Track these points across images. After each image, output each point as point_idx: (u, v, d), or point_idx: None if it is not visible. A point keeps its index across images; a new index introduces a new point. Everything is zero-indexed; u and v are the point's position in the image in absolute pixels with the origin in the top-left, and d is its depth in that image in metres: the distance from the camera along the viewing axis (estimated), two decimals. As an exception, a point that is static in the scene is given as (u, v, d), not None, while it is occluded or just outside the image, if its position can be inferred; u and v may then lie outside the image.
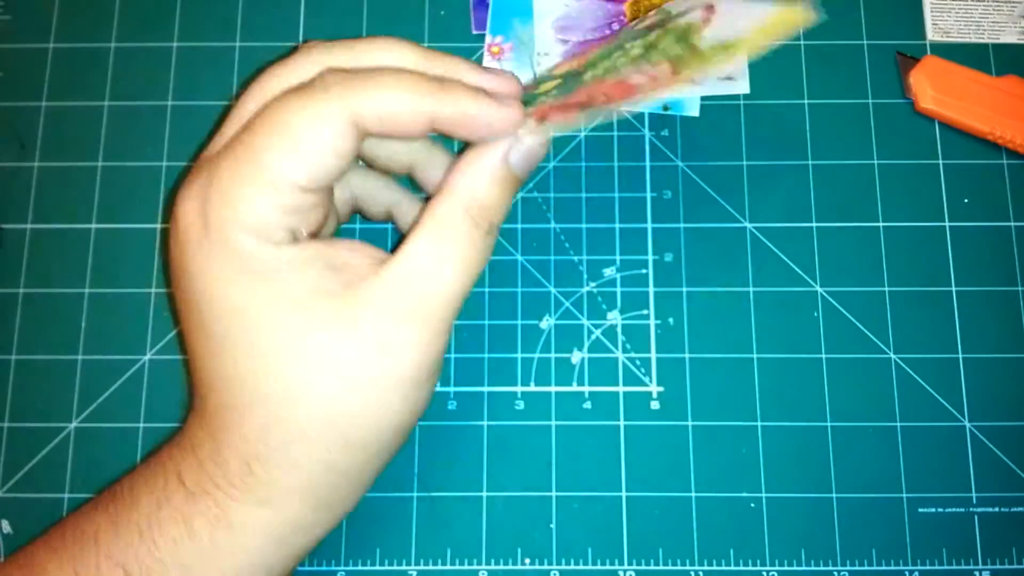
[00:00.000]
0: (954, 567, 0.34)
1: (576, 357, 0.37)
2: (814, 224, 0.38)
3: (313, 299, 0.26)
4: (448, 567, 0.35)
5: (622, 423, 0.36)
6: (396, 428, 0.28)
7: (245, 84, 0.29)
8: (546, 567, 0.35)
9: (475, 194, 0.28)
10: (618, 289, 0.37)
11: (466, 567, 0.35)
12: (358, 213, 0.34)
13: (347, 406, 0.27)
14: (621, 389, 0.36)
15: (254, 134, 0.26)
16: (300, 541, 0.29)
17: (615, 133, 0.39)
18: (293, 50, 0.28)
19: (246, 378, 0.27)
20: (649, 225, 0.38)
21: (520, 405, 0.36)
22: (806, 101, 0.39)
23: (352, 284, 0.27)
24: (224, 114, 0.29)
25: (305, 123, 0.25)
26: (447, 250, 0.27)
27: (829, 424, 0.36)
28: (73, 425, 0.36)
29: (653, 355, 0.37)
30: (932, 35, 0.40)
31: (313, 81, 0.26)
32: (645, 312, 0.37)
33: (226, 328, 0.27)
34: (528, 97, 0.30)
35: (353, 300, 0.27)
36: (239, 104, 0.28)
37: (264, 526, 0.27)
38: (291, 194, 0.26)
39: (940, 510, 0.35)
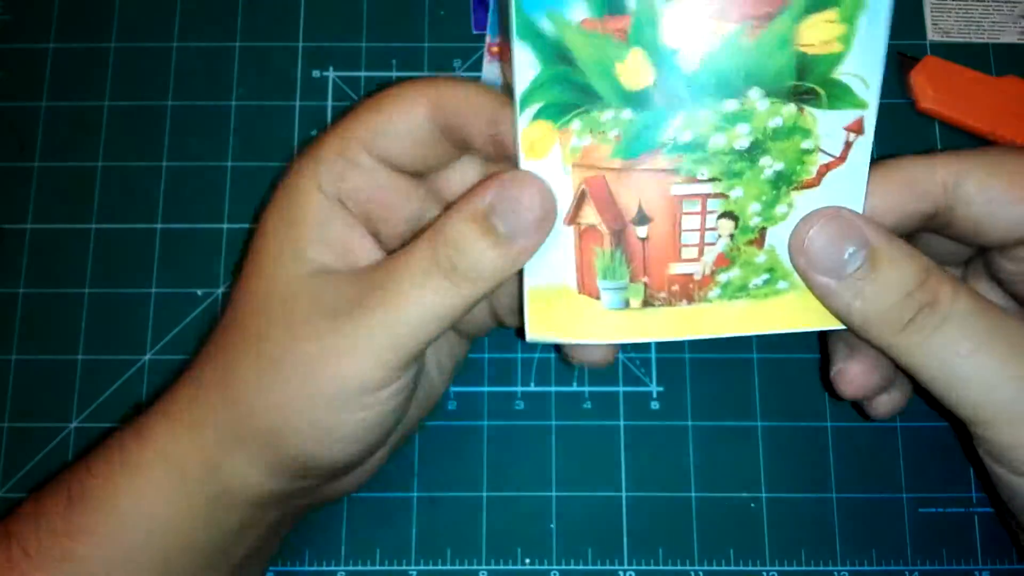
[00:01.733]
0: (954, 567, 0.34)
1: (576, 357, 0.37)
2: (814, 224, 0.38)
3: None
4: (448, 567, 0.35)
5: (622, 423, 0.36)
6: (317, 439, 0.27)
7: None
8: (546, 567, 0.35)
9: (442, 227, 0.26)
10: (618, 289, 0.37)
11: (466, 567, 0.35)
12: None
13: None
14: (621, 389, 0.36)
15: (355, 109, 0.29)
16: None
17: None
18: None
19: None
20: (649, 225, 0.38)
21: (520, 405, 0.36)
22: (806, 101, 0.39)
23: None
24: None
25: (388, 98, 0.28)
26: (399, 275, 0.26)
27: (829, 424, 0.36)
28: (73, 425, 0.36)
29: (653, 355, 0.37)
30: (932, 35, 0.40)
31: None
32: (645, 312, 0.37)
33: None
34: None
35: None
36: None
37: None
38: (355, 151, 0.28)
39: (940, 510, 0.35)
